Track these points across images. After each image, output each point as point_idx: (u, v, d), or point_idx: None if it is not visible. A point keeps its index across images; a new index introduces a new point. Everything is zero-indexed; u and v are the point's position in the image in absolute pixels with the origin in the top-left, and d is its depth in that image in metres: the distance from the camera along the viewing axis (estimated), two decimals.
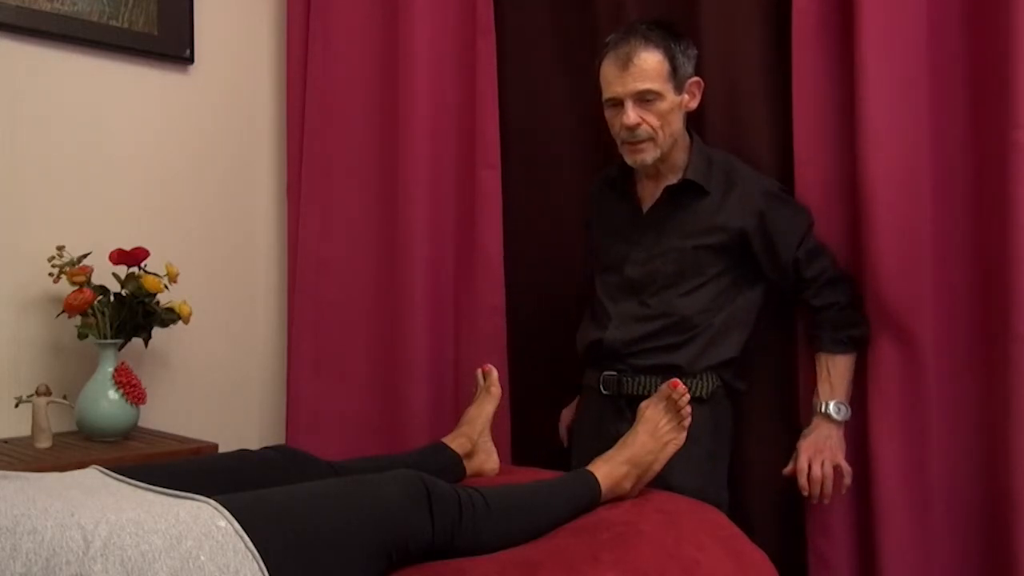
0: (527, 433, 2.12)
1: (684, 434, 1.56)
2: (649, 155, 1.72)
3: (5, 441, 1.90)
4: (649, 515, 1.44)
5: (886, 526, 1.63)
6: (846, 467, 1.64)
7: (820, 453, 1.64)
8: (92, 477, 1.19)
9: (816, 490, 1.63)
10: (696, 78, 1.74)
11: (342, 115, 2.27)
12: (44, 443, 1.83)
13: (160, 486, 1.13)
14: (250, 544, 1.02)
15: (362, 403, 2.23)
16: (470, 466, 1.74)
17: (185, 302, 2.01)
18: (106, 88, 2.12)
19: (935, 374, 1.63)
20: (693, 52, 1.74)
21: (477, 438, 1.76)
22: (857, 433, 1.70)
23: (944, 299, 1.63)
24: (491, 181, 2.11)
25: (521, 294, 2.14)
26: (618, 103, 1.71)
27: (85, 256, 1.93)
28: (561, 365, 1.96)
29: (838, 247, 1.73)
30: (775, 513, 1.81)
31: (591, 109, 1.81)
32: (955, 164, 1.63)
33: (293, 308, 2.31)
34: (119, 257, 1.96)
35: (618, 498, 1.52)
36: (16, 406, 1.86)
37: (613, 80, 1.71)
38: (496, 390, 1.84)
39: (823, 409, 1.67)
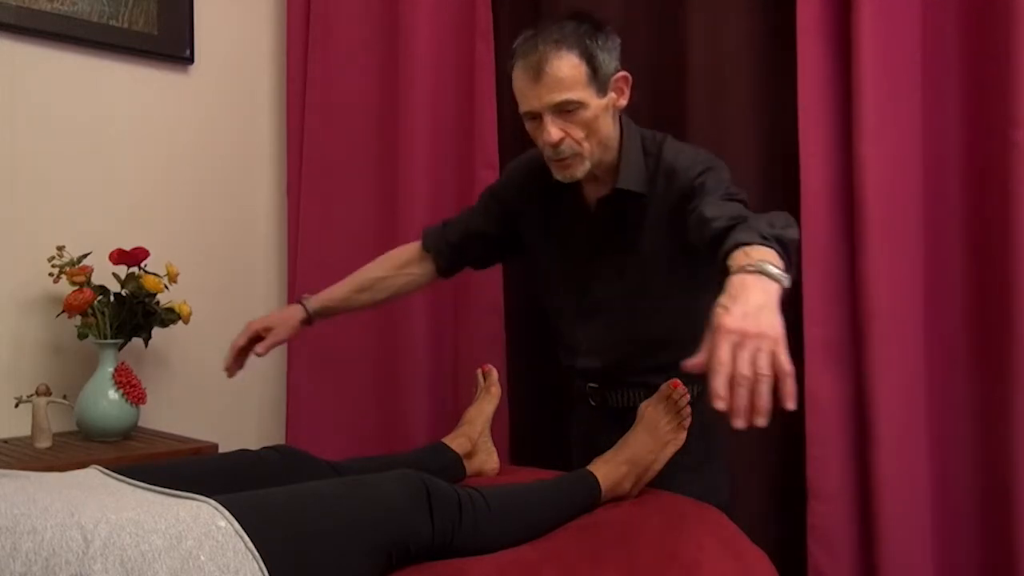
0: (527, 433, 2.12)
1: (684, 434, 1.56)
2: (579, 170, 1.54)
3: (5, 441, 1.90)
4: (649, 515, 1.44)
5: (887, 538, 1.61)
6: (787, 365, 1.05)
7: (749, 337, 1.05)
8: (92, 477, 1.19)
9: (740, 402, 1.02)
10: (622, 72, 1.55)
11: (342, 115, 2.27)
12: (44, 443, 1.83)
13: (160, 486, 1.13)
14: (250, 544, 1.02)
15: (362, 403, 2.23)
16: (470, 466, 1.74)
17: (185, 302, 2.02)
18: (106, 88, 2.12)
19: (933, 376, 1.63)
20: (614, 43, 1.54)
21: (477, 438, 1.76)
22: (854, 437, 1.68)
23: (940, 298, 1.63)
24: (491, 181, 2.11)
25: (520, 294, 2.14)
26: (536, 117, 1.52)
27: (85, 256, 1.93)
28: (560, 364, 1.96)
29: (842, 241, 1.69)
30: (770, 522, 1.80)
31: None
32: (954, 163, 1.63)
33: None
34: (119, 257, 1.96)
35: (618, 498, 1.52)
36: (16, 406, 1.86)
37: (527, 93, 1.51)
38: (496, 390, 1.84)
39: (750, 265, 1.16)
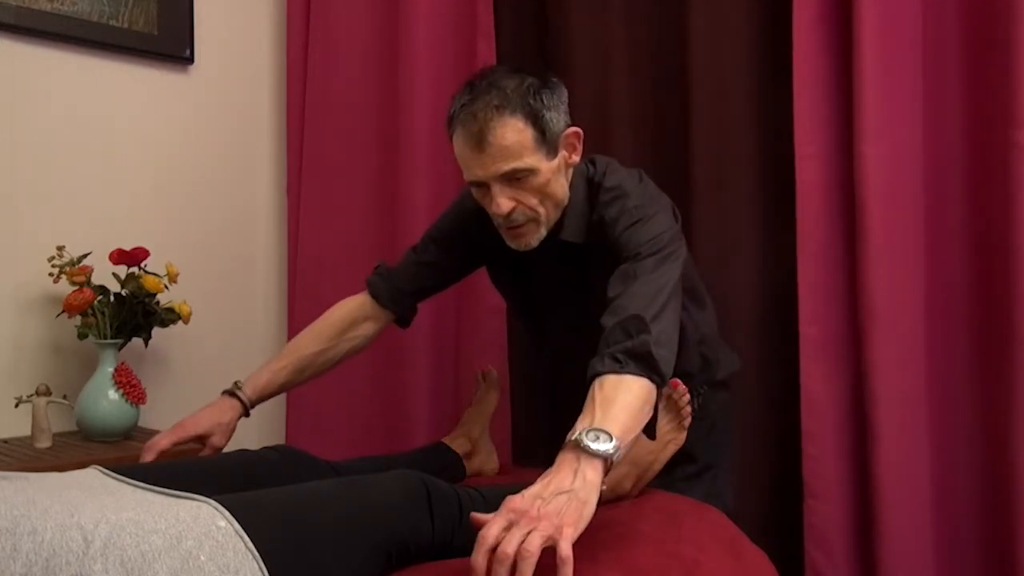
0: (527, 433, 2.12)
1: (684, 434, 1.56)
2: (534, 237, 1.46)
3: (5, 441, 1.90)
4: (649, 515, 1.44)
5: (886, 538, 1.60)
6: (564, 552, 1.00)
7: (527, 518, 1.02)
8: (92, 477, 1.19)
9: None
10: (572, 128, 1.44)
11: (342, 115, 2.27)
12: (44, 443, 1.83)
13: (160, 486, 1.13)
14: (250, 544, 1.02)
15: (362, 403, 2.23)
16: (470, 466, 1.74)
17: (185, 302, 2.02)
18: (106, 88, 2.12)
19: (933, 376, 1.63)
20: (561, 97, 1.42)
21: (477, 438, 1.77)
22: (852, 436, 1.68)
23: (941, 297, 1.63)
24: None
25: None
26: (483, 185, 1.42)
27: (85, 256, 1.93)
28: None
29: (839, 241, 1.69)
30: (770, 522, 1.79)
31: (589, 110, 1.80)
32: (955, 163, 1.63)
33: (293, 308, 2.32)
34: (119, 257, 1.96)
35: (618, 498, 1.52)
36: (16, 406, 1.85)
37: (469, 162, 1.39)
38: (495, 391, 1.84)
39: (571, 436, 1.13)
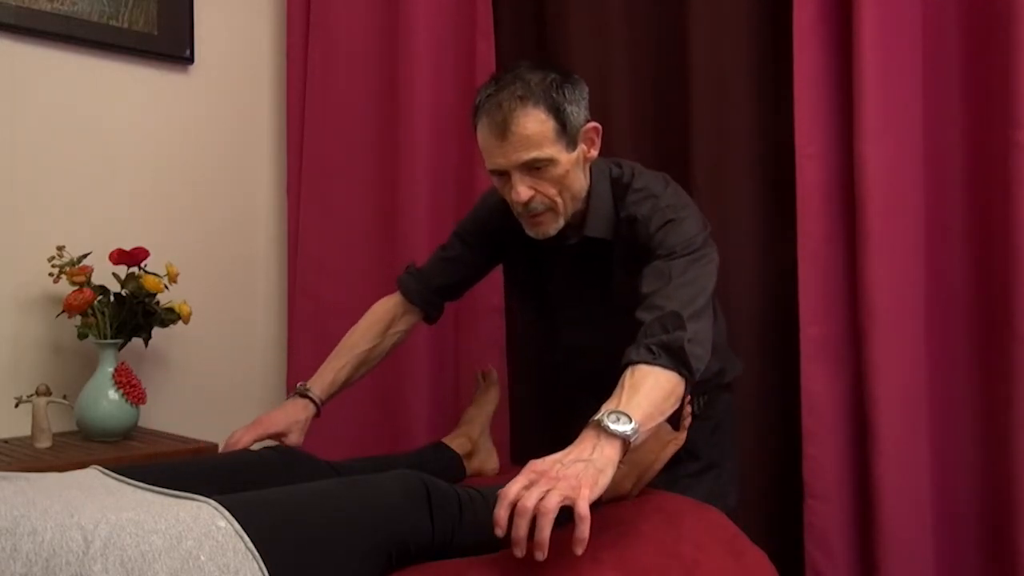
0: (527, 433, 2.12)
1: (684, 434, 1.56)
2: (552, 226, 1.49)
3: (5, 441, 1.90)
4: (649, 515, 1.44)
5: (886, 538, 1.60)
6: (582, 510, 1.07)
7: (547, 478, 1.11)
8: (92, 477, 1.19)
9: (518, 532, 1.07)
10: (592, 124, 1.48)
11: (342, 115, 2.27)
12: (44, 443, 1.83)
13: (160, 486, 1.13)
14: (250, 544, 1.02)
15: (362, 403, 2.22)
16: (470, 466, 1.74)
17: (185, 302, 2.02)
18: (106, 88, 2.12)
19: (933, 375, 1.63)
20: (582, 92, 1.47)
21: (477, 438, 1.77)
22: (853, 436, 1.68)
23: (941, 297, 1.63)
24: (490, 181, 2.11)
25: None
26: (504, 173, 1.46)
27: (85, 256, 1.93)
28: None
29: (840, 240, 1.69)
30: (771, 522, 1.79)
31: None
32: (955, 163, 1.63)
33: (293, 308, 2.32)
34: (119, 257, 1.96)
35: (618, 498, 1.52)
36: (16, 406, 1.85)
37: (492, 150, 1.44)
38: (495, 390, 1.84)
39: (595, 417, 1.20)
